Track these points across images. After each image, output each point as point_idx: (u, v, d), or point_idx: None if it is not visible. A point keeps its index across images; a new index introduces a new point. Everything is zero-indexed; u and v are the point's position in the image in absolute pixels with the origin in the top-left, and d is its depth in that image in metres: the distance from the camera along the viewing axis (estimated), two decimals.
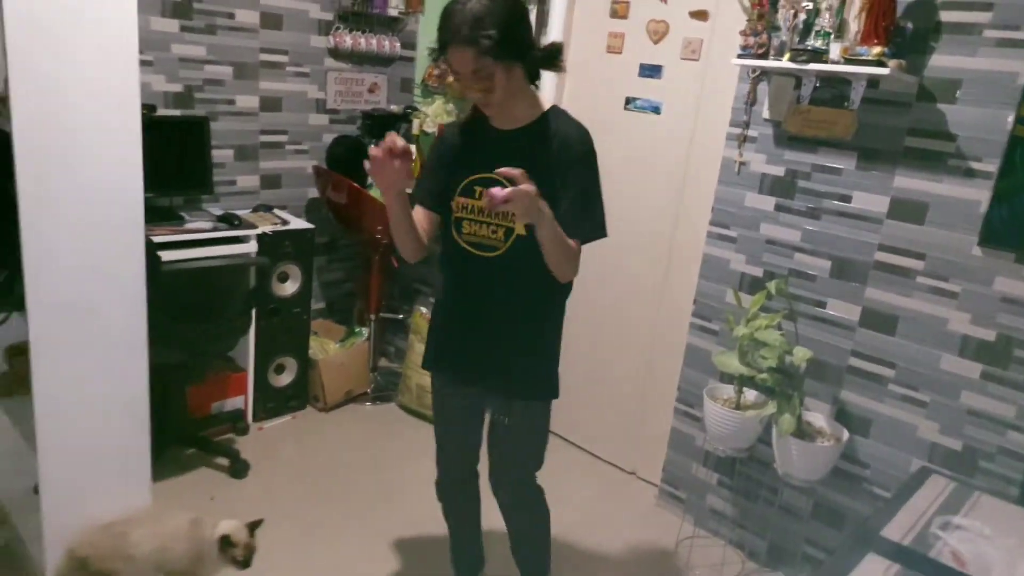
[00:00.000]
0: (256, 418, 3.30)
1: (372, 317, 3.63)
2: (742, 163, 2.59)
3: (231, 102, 3.31)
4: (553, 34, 3.03)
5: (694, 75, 2.80)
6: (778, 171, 2.52)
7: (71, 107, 1.86)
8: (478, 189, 1.75)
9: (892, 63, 2.04)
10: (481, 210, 1.76)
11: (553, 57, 1.74)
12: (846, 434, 2.39)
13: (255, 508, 2.69)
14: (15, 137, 1.78)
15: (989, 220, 2.10)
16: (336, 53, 3.58)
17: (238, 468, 2.89)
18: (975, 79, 2.09)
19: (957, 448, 2.23)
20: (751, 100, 2.52)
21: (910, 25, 2.13)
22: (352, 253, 3.93)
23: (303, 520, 2.68)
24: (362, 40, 3.54)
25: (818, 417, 2.47)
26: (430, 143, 3.25)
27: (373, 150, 1.58)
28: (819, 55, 2.16)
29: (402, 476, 2.92)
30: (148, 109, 2.90)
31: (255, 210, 3.36)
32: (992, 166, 2.08)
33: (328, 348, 3.49)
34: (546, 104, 1.80)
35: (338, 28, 3.51)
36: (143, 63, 2.98)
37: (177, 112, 3.14)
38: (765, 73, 2.46)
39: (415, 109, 3.65)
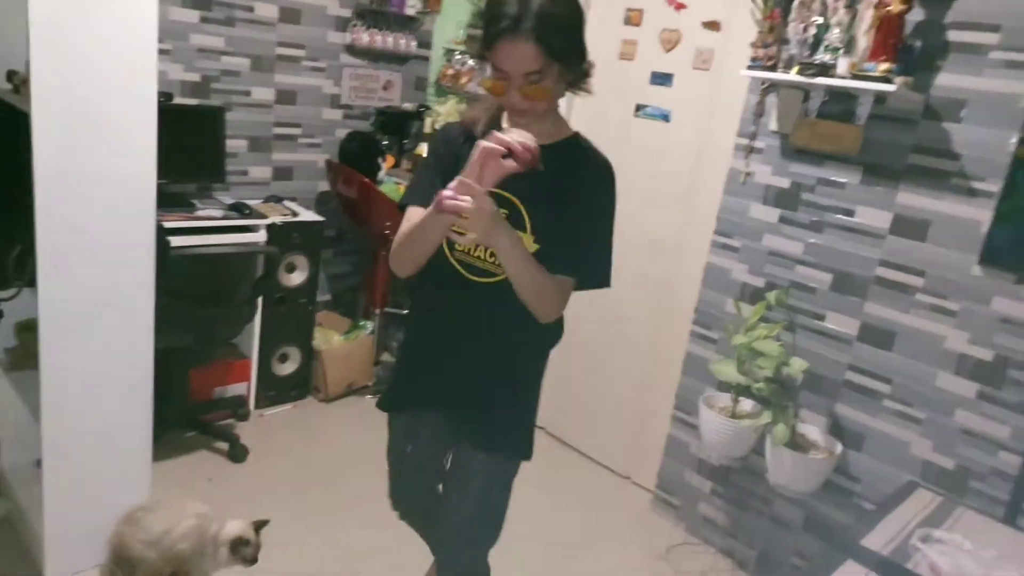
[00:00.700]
0: (257, 405, 3.34)
1: (377, 311, 3.67)
2: (748, 174, 2.61)
3: (247, 93, 3.36)
4: None
5: (704, 84, 2.83)
6: (783, 183, 2.53)
7: (89, 91, 1.90)
8: None
9: (899, 80, 2.06)
10: None
11: (588, 75, 1.53)
12: (839, 447, 2.40)
13: (251, 492, 2.74)
14: (33, 117, 1.82)
15: (990, 240, 2.11)
16: (352, 49, 3.62)
17: (236, 452, 2.93)
18: (980, 99, 2.11)
19: (949, 467, 2.24)
20: (759, 112, 2.54)
21: (918, 43, 2.15)
22: (359, 247, 3.97)
23: (298, 506, 2.71)
24: (379, 37, 3.59)
25: (813, 429, 2.48)
26: None
27: (496, 136, 1.30)
28: (827, 69, 2.18)
29: None
30: (165, 97, 2.95)
31: (266, 200, 3.40)
32: (995, 186, 2.09)
33: (332, 340, 3.53)
34: (568, 126, 1.59)
35: (355, 25, 3.56)
36: (161, 52, 3.03)
37: (193, 101, 3.19)
38: (774, 85, 2.48)
39: (428, 108, 3.69)
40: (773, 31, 2.32)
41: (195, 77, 3.18)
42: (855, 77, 2.12)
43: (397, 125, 3.83)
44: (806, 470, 2.36)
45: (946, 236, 2.21)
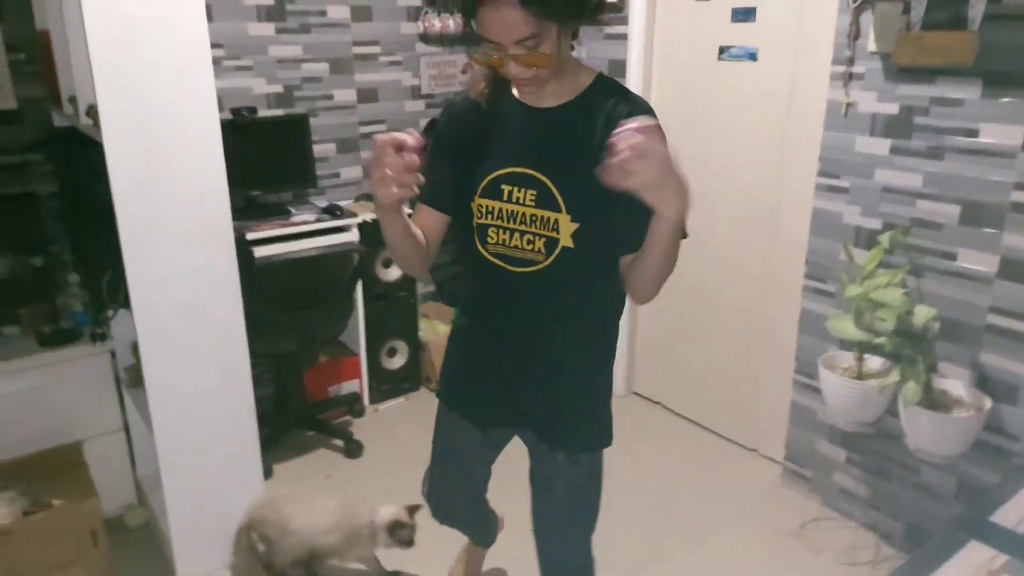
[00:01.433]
0: (372, 400, 3.42)
1: None
2: (849, 104, 2.32)
3: (329, 97, 3.41)
4: None
5: (790, 12, 2.54)
6: (891, 109, 2.23)
7: (154, 115, 1.97)
8: (507, 188, 1.35)
9: None
10: (512, 214, 1.35)
11: (599, 10, 1.28)
12: (989, 403, 2.10)
13: (369, 487, 2.79)
14: (106, 145, 1.91)
15: None
16: (426, 38, 3.59)
17: (352, 448, 3.00)
18: None
19: None
20: (854, 33, 2.24)
21: None
22: (456, 236, 3.95)
23: (414, 499, 2.72)
24: (450, 21, 3.53)
25: (956, 384, 2.18)
26: None
27: (380, 137, 1.15)
28: None
29: (517, 450, 2.90)
30: (249, 111, 3.05)
31: (357, 199, 3.45)
32: None
33: (438, 330, 3.54)
34: (588, 70, 1.37)
35: (426, 12, 3.52)
36: (243, 67, 3.14)
37: (279, 112, 3.27)
38: (868, 0, 2.18)
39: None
40: None
41: (278, 88, 3.27)
42: None
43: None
44: (948, 430, 2.08)
45: None
